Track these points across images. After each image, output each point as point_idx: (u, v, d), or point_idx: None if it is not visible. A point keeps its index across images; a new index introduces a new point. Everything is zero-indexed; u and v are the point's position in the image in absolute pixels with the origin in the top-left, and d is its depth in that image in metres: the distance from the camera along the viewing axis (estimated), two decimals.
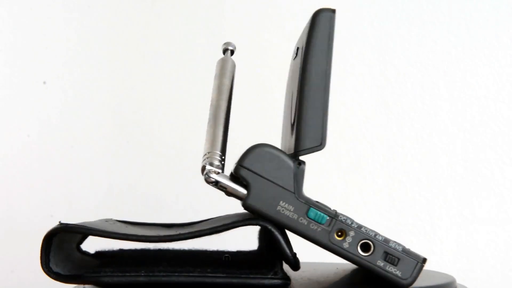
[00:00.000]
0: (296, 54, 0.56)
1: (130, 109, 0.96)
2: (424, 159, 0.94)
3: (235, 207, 0.62)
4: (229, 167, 0.63)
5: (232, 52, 0.60)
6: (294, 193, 0.50)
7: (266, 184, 0.49)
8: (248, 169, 0.49)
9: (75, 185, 0.95)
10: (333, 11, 0.51)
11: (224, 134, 0.52)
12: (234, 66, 0.59)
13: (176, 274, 0.48)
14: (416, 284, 0.51)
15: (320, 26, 0.51)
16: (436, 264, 0.72)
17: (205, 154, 0.50)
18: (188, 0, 0.97)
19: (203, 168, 0.49)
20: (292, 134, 0.53)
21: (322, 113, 0.50)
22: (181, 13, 0.97)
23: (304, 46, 0.52)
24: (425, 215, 0.93)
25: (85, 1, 0.96)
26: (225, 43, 0.60)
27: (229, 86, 0.56)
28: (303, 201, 0.50)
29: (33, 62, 0.96)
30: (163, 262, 0.51)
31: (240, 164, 0.49)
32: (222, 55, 0.61)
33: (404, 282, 0.51)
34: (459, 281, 0.56)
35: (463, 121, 0.93)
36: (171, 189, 0.95)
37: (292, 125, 0.53)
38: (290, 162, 0.50)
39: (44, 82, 0.96)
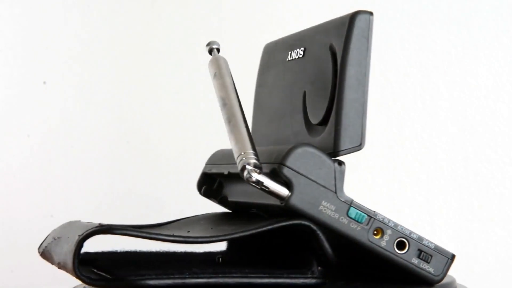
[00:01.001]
0: (303, 54, 0.56)
1: (130, 109, 0.96)
2: (424, 159, 0.94)
3: None
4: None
5: (218, 50, 0.59)
6: (335, 192, 0.50)
7: (309, 184, 0.49)
8: (291, 169, 0.49)
9: (75, 185, 0.95)
10: (371, 13, 0.51)
11: (248, 132, 0.52)
12: (227, 63, 0.58)
13: (221, 275, 0.47)
14: None
15: (359, 28, 0.51)
16: None
17: (240, 154, 0.49)
18: (188, 0, 0.97)
19: (243, 168, 0.49)
20: (312, 133, 0.53)
21: (362, 115, 0.51)
22: (181, 13, 0.96)
23: (341, 49, 0.51)
24: (425, 215, 0.93)
25: (85, 1, 0.96)
26: (208, 43, 0.59)
27: (233, 83, 0.55)
28: (344, 201, 0.50)
29: (33, 62, 0.96)
30: (195, 264, 0.50)
31: (282, 163, 0.49)
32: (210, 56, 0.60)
33: (436, 278, 0.52)
34: (459, 281, 0.56)
35: (463, 121, 0.93)
36: (171, 190, 0.95)
37: (314, 125, 0.53)
38: (331, 162, 0.50)
39: (44, 82, 0.96)
